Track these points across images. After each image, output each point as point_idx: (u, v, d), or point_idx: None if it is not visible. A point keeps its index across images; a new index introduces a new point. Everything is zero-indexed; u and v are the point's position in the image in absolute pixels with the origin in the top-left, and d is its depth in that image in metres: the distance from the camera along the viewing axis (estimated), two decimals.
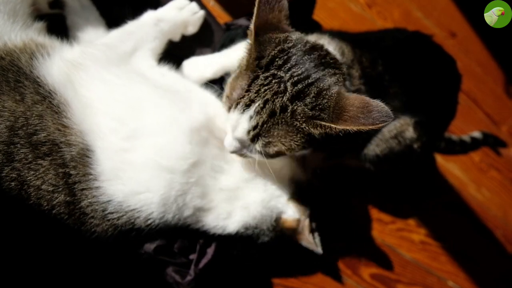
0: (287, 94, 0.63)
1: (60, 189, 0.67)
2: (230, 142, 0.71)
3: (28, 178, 0.66)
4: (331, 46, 0.83)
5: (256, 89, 0.64)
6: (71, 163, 0.67)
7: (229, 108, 0.68)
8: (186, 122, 0.74)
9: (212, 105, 0.82)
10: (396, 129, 0.94)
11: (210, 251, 0.80)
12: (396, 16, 1.53)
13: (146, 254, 0.80)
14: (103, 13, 0.91)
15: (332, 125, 0.61)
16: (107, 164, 0.69)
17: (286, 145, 0.65)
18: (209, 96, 0.85)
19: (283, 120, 0.63)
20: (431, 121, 1.00)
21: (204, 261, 0.79)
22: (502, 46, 1.71)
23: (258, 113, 0.64)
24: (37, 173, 0.67)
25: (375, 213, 1.27)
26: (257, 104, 0.63)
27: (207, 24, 1.01)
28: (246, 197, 0.80)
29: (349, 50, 0.86)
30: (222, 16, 1.14)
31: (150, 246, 0.79)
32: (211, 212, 0.79)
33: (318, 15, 1.30)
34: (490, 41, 1.71)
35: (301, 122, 0.63)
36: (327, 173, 1.17)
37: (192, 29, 0.94)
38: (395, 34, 1.05)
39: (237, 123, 0.66)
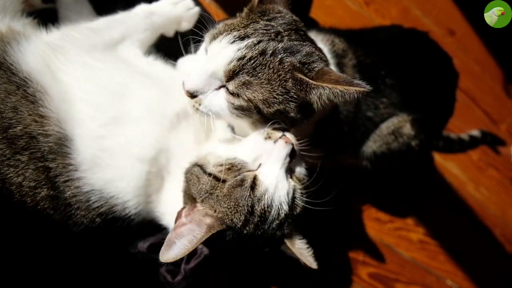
0: (282, 44, 0.63)
1: (42, 183, 0.66)
2: (195, 76, 0.65)
3: (9, 175, 0.64)
4: (318, 37, 0.83)
5: (254, 28, 0.63)
6: (50, 156, 0.65)
7: (213, 38, 0.65)
8: (162, 111, 0.72)
9: None
10: (394, 125, 0.94)
11: (204, 250, 0.79)
12: (394, 14, 1.53)
13: (141, 253, 0.79)
14: (96, 9, 0.91)
15: (310, 81, 0.61)
16: (86, 152, 0.67)
17: (263, 94, 0.62)
18: None
19: (270, 64, 0.62)
20: (429, 118, 1.00)
21: (196, 260, 0.77)
22: (500, 44, 1.71)
23: (249, 47, 0.61)
24: (17, 170, 0.65)
25: (373, 212, 1.26)
26: (251, 40, 0.61)
27: (203, 22, 1.00)
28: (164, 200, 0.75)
29: (340, 41, 0.85)
30: (218, 14, 1.13)
31: (143, 245, 0.78)
32: (159, 210, 0.76)
33: (315, 13, 1.30)
34: (488, 40, 1.70)
35: (285, 71, 0.62)
36: (327, 172, 1.16)
37: (186, 25, 0.93)
38: (391, 30, 1.05)
39: (219, 53, 0.63)
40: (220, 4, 1.15)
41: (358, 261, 1.18)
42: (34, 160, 0.65)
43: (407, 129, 0.94)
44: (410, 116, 0.94)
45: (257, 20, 0.66)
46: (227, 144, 0.73)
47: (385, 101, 0.93)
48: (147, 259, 0.80)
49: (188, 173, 0.71)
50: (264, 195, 0.66)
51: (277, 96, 0.63)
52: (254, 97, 0.63)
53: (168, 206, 0.74)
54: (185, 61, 0.95)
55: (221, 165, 0.67)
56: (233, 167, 0.67)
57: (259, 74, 0.62)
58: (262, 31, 0.64)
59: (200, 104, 0.67)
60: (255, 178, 0.66)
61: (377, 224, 1.25)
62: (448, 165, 1.47)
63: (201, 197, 0.67)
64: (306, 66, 0.64)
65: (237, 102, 0.64)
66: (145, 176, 0.71)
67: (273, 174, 0.67)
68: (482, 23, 0.79)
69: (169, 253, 0.62)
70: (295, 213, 0.70)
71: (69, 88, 0.69)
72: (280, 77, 0.63)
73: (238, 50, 0.62)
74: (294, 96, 0.64)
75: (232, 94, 0.64)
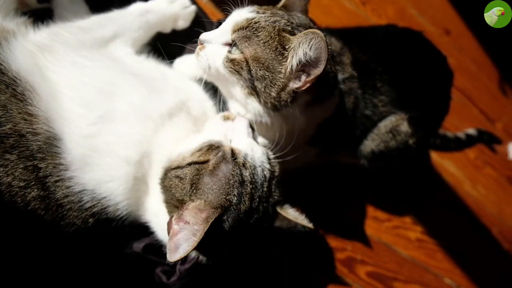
0: (286, 22, 0.73)
1: (32, 183, 0.65)
2: (213, 31, 0.76)
3: None
4: None
5: (272, 12, 0.75)
6: (39, 155, 0.65)
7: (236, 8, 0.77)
8: (148, 111, 0.72)
9: (186, 91, 0.80)
10: (392, 123, 0.94)
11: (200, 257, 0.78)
12: (391, 13, 1.53)
13: (135, 253, 0.78)
14: (92, 8, 0.90)
15: (288, 35, 0.71)
16: (76, 151, 0.67)
17: (256, 51, 0.71)
18: (185, 83, 0.83)
19: (268, 27, 0.72)
20: (425, 117, 1.00)
21: (191, 261, 0.76)
22: (496, 43, 1.72)
23: (261, 18, 0.73)
24: (7, 169, 0.64)
25: (371, 211, 1.26)
26: (265, 14, 0.74)
27: (200, 21, 1.00)
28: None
29: (337, 40, 0.87)
30: (215, 14, 1.13)
31: (138, 245, 0.77)
32: (146, 217, 0.76)
33: (312, 12, 1.28)
34: (484, 39, 1.72)
35: (275, 32, 0.71)
36: (325, 170, 1.16)
37: (183, 23, 0.93)
38: (386, 29, 1.06)
39: (237, 15, 0.75)
40: (217, 3, 1.15)
41: (356, 260, 1.18)
42: (23, 159, 0.65)
43: (405, 127, 0.94)
44: (407, 114, 0.95)
45: (279, 10, 0.77)
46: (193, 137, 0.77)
47: (383, 98, 0.94)
48: (142, 260, 0.80)
49: (165, 180, 0.71)
50: (246, 159, 0.70)
51: (267, 59, 0.71)
52: (248, 51, 0.72)
53: (153, 215, 0.74)
54: (182, 62, 0.95)
55: (199, 150, 0.71)
56: (212, 146, 0.71)
57: (259, 34, 0.71)
58: (278, 16, 0.74)
59: (201, 50, 0.76)
60: (232, 150, 0.71)
61: (375, 222, 1.25)
62: (445, 163, 1.47)
63: (188, 194, 0.67)
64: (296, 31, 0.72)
65: (232, 56, 0.73)
66: (132, 180, 0.71)
67: (246, 141, 0.73)
68: (478, 22, 0.80)
69: (176, 254, 0.62)
70: (276, 173, 0.74)
71: (58, 86, 0.69)
72: (272, 38, 0.71)
73: (251, 14, 0.74)
74: (280, 57, 0.70)
75: (232, 44, 0.73)
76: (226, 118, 0.76)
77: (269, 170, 0.72)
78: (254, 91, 0.73)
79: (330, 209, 1.20)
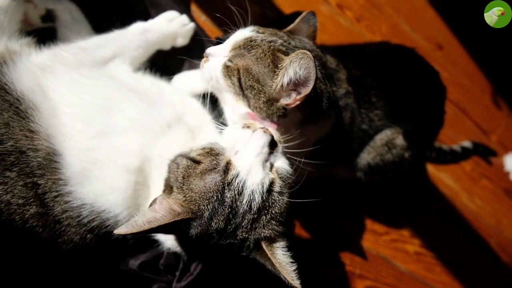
0: (282, 42, 0.77)
1: (31, 200, 0.65)
2: (218, 46, 0.81)
3: None
4: None
5: (271, 33, 0.80)
6: (38, 171, 0.66)
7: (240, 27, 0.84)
8: (147, 123, 0.74)
9: (183, 105, 0.82)
10: (387, 136, 0.96)
11: (197, 268, 0.77)
12: (384, 29, 1.57)
13: (131, 271, 0.77)
14: (93, 26, 0.92)
15: (282, 56, 0.73)
16: (76, 166, 0.68)
17: (248, 63, 0.74)
18: (182, 98, 0.85)
19: (263, 46, 0.75)
20: (420, 130, 1.02)
21: (188, 278, 0.76)
22: (488, 57, 1.75)
23: (258, 37, 0.77)
24: (6, 187, 0.64)
25: (369, 224, 1.26)
26: (264, 34, 0.78)
27: (198, 38, 1.02)
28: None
29: (332, 57, 0.89)
30: (213, 31, 1.15)
31: (135, 263, 0.77)
32: None
33: None
34: (476, 53, 1.75)
35: (270, 51, 0.74)
36: (322, 184, 1.17)
37: (182, 40, 0.95)
38: (379, 47, 1.09)
39: (239, 33, 0.80)
40: (215, 21, 1.17)
41: (355, 274, 1.18)
42: (22, 175, 0.65)
43: (400, 140, 0.96)
44: (402, 128, 0.97)
45: (280, 32, 0.81)
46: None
47: (379, 113, 0.95)
48: (138, 277, 0.80)
49: (171, 162, 0.71)
50: (235, 179, 0.63)
51: (258, 72, 0.74)
52: (241, 63, 0.76)
53: None
54: (181, 77, 0.97)
55: (202, 149, 0.68)
56: (212, 151, 0.67)
57: (253, 51, 0.76)
58: (276, 36, 0.78)
59: (205, 62, 0.81)
60: (228, 163, 0.65)
61: (373, 236, 1.25)
62: (441, 176, 1.48)
63: (176, 183, 0.66)
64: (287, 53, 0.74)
65: (228, 63, 0.77)
66: (132, 186, 0.72)
67: (247, 160, 0.65)
68: (469, 37, 0.82)
69: (124, 228, 0.60)
70: (273, 210, 0.66)
71: (58, 104, 0.71)
72: (265, 56, 0.74)
73: (250, 33, 0.79)
74: (271, 74, 0.73)
75: (229, 60, 0.78)
76: (246, 127, 0.70)
77: (259, 203, 0.64)
78: (243, 97, 0.77)
79: (327, 223, 1.20)
